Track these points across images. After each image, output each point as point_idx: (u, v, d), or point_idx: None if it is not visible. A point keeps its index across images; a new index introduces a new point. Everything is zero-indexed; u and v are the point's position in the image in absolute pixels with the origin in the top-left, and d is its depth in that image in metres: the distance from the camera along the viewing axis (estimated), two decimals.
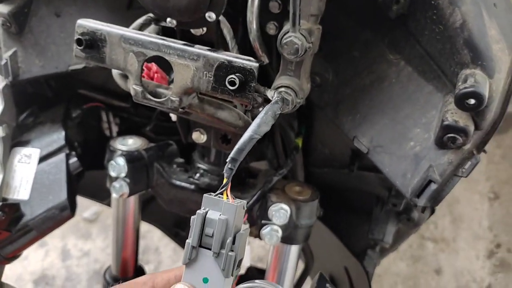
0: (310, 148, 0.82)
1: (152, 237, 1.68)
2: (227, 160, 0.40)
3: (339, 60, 0.62)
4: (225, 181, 0.40)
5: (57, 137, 0.74)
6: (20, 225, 0.68)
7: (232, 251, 0.39)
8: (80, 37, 0.51)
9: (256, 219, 0.70)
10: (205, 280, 0.40)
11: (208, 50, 0.49)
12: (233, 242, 0.39)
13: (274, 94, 0.50)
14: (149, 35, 0.51)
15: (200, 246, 0.40)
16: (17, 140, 0.73)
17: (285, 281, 0.73)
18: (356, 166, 0.78)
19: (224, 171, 0.40)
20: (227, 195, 0.40)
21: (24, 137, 0.74)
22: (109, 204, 0.90)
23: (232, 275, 0.40)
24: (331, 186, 0.85)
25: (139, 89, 0.52)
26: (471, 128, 0.50)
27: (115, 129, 0.91)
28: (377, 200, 0.85)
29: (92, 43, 0.52)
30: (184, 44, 0.49)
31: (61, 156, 0.73)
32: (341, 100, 0.63)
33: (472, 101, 0.47)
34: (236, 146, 0.41)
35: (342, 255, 0.97)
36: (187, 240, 0.40)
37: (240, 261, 0.41)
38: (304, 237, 0.70)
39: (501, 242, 1.73)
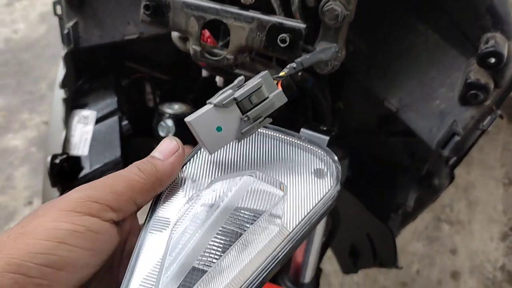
0: (339, 115, 0.89)
1: None
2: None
3: (371, 30, 0.69)
4: (282, 73, 0.45)
5: (111, 101, 0.82)
6: (80, 177, 0.76)
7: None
8: (147, 3, 0.59)
9: None
10: (219, 129, 0.40)
11: (261, 13, 0.56)
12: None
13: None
14: (208, 1, 0.58)
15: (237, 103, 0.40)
16: (75, 103, 0.81)
17: (315, 234, 0.80)
18: (383, 132, 0.84)
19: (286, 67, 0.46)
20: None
21: (82, 100, 0.82)
22: None
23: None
24: (357, 153, 0.92)
25: (198, 49, 0.59)
26: (491, 85, 0.57)
27: (157, 100, 0.99)
28: (400, 167, 0.92)
29: (157, 9, 0.59)
30: (240, 9, 0.57)
31: (115, 118, 0.81)
32: (372, 66, 0.69)
33: (493, 60, 0.54)
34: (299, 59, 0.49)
35: (364, 222, 1.04)
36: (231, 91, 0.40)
37: None
38: None
39: None
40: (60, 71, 0.79)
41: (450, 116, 0.60)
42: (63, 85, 0.76)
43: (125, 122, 0.82)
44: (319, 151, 0.43)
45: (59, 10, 0.77)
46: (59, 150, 0.75)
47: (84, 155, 0.77)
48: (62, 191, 0.75)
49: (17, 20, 2.58)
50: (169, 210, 0.38)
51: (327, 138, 0.63)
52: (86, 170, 0.76)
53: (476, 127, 0.59)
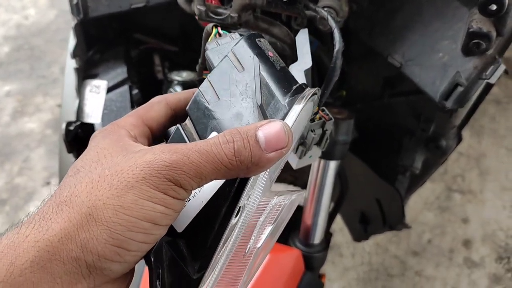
0: (345, 85, 0.90)
1: None
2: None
3: None
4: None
5: (121, 71, 0.84)
6: None
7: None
8: None
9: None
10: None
11: None
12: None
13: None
14: None
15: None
16: (86, 73, 0.83)
17: (324, 195, 0.82)
18: (388, 94, 0.85)
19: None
20: None
21: (93, 71, 0.84)
22: None
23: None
24: (363, 121, 0.93)
25: (203, 8, 0.61)
26: (494, 33, 0.57)
27: (166, 71, 1.01)
28: (406, 130, 0.93)
29: None
30: None
31: (125, 87, 0.83)
32: (375, 24, 0.70)
33: (494, 7, 0.54)
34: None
35: (373, 187, 1.05)
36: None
37: None
38: (341, 154, 0.78)
39: None
40: (70, 42, 0.81)
41: (453, 67, 0.61)
42: (74, 55, 0.78)
43: (135, 91, 0.84)
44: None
45: None
46: (73, 118, 0.77)
47: (98, 123, 0.79)
48: (77, 157, 0.77)
49: (27, 6, 2.61)
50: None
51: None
52: None
53: (479, 77, 0.60)
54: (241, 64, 0.38)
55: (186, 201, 0.35)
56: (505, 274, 1.58)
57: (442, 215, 1.74)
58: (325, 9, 0.61)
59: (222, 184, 0.35)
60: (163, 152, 0.32)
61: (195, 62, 0.98)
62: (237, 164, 0.33)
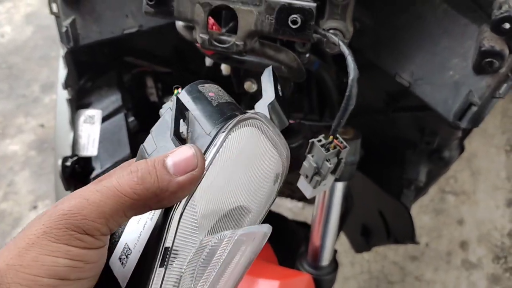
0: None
1: None
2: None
3: (376, 4, 0.68)
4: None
5: (115, 98, 0.81)
6: (92, 177, 0.75)
7: None
8: None
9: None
10: None
11: None
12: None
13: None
14: None
15: None
16: (79, 102, 0.80)
17: (332, 216, 0.80)
18: (391, 109, 0.84)
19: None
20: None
21: (85, 100, 0.80)
22: None
23: None
24: (366, 133, 0.91)
25: (205, 37, 0.58)
26: (506, 51, 0.56)
27: (159, 94, 0.98)
28: (409, 143, 0.92)
29: None
30: None
31: (121, 115, 0.80)
32: (380, 41, 0.68)
33: (508, 26, 0.53)
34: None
35: (376, 200, 1.04)
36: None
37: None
38: (349, 175, 0.76)
39: None
40: (61, 72, 0.77)
41: (465, 86, 0.60)
42: (66, 85, 0.75)
43: (131, 119, 0.81)
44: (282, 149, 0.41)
45: (55, 8, 0.74)
46: (68, 152, 0.74)
47: (94, 155, 0.76)
48: None
49: (1, 23, 2.53)
50: (182, 240, 0.34)
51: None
52: (97, 171, 0.75)
53: (493, 96, 0.59)
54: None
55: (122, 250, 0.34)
56: (504, 274, 1.59)
57: (437, 218, 1.74)
58: (331, 31, 0.59)
59: (153, 227, 0.34)
60: (64, 200, 0.31)
61: (190, 83, 0.95)
62: (143, 192, 0.31)
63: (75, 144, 0.75)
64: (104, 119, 0.79)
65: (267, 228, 0.39)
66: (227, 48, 0.58)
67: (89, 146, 0.76)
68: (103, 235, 0.31)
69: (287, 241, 0.98)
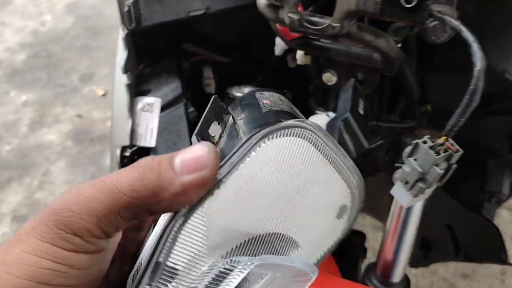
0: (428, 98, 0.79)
1: None
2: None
3: None
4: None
5: (175, 86, 0.74)
6: None
7: None
8: None
9: (384, 164, 0.68)
10: None
11: None
12: None
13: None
14: None
15: None
16: (137, 89, 0.74)
17: (408, 229, 0.72)
18: (482, 112, 0.75)
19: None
20: None
21: (144, 86, 0.74)
22: None
23: None
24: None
25: (296, 17, 0.50)
26: None
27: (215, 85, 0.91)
28: (491, 152, 0.82)
29: None
30: None
31: (181, 105, 0.73)
32: (484, 33, 0.60)
33: None
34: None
35: (445, 212, 0.95)
36: None
37: None
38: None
39: None
40: (119, 55, 0.71)
41: None
42: (126, 69, 0.69)
43: (191, 109, 0.74)
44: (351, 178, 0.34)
45: None
46: (125, 141, 0.67)
47: (152, 147, 0.69)
48: None
49: (43, 12, 2.52)
50: (181, 258, 0.27)
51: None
52: None
53: None
54: None
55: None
56: None
57: None
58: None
59: (155, 238, 0.28)
60: (63, 193, 0.27)
61: (251, 75, 0.88)
62: (140, 189, 0.26)
63: (132, 133, 0.69)
64: (163, 108, 0.72)
65: (305, 266, 0.31)
66: (321, 31, 0.50)
67: (147, 136, 0.70)
68: (94, 237, 0.27)
69: (345, 252, 0.90)
